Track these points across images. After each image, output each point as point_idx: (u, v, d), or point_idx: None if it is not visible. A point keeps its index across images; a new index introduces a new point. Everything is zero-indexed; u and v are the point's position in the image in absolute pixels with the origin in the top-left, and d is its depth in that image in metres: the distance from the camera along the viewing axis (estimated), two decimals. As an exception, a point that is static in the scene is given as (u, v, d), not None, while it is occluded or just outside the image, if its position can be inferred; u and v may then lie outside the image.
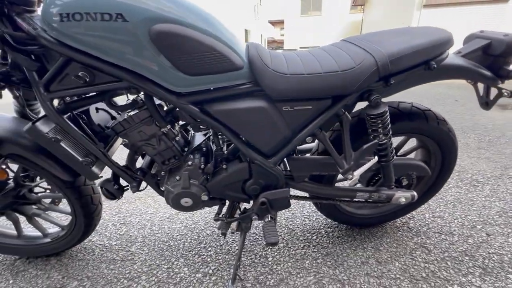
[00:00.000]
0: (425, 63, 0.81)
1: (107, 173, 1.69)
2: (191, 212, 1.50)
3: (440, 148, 1.07)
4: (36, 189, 1.14)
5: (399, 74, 0.81)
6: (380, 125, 0.86)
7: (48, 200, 1.16)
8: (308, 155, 1.06)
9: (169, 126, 0.85)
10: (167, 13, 0.65)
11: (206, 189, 0.94)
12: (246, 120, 0.82)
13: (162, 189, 1.01)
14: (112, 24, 0.63)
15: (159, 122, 0.83)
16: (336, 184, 1.14)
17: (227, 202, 1.05)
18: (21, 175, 1.05)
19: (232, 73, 0.76)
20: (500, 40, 0.87)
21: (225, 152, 0.94)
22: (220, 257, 1.18)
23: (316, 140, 0.98)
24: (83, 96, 0.79)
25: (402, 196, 1.02)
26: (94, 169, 0.87)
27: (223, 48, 0.72)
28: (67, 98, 0.85)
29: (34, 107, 0.97)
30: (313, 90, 0.78)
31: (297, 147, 1.04)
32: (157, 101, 0.88)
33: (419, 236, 1.26)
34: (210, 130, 0.97)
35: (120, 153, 2.39)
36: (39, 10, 0.73)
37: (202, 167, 0.92)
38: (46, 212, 1.17)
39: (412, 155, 1.23)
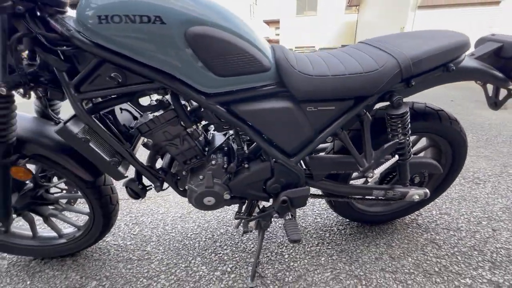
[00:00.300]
0: (444, 65, 0.84)
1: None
2: (202, 212, 1.51)
3: (451, 147, 1.10)
4: (52, 190, 1.14)
5: (419, 75, 0.84)
6: (400, 125, 0.90)
7: (64, 201, 1.16)
8: (322, 154, 1.09)
9: (194, 126, 0.86)
10: (204, 16, 0.66)
11: (228, 188, 0.95)
12: (271, 120, 0.83)
13: (181, 188, 1.02)
14: (150, 26, 0.64)
15: (185, 122, 0.84)
16: (351, 182, 1.17)
17: (246, 201, 1.07)
18: (39, 175, 1.05)
19: (259, 74, 0.77)
20: None
21: (247, 152, 0.96)
22: (236, 255, 1.20)
23: (331, 139, 1.00)
24: (112, 96, 0.80)
25: (416, 193, 1.06)
26: (120, 168, 0.88)
27: (254, 51, 0.73)
28: (96, 99, 0.85)
29: (55, 107, 0.97)
30: (337, 91, 0.81)
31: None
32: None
33: (428, 232, 1.30)
34: (231, 130, 0.98)
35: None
36: (69, 12, 0.74)
37: (225, 166, 0.94)
38: (62, 213, 1.17)
39: (421, 154, 1.27)
